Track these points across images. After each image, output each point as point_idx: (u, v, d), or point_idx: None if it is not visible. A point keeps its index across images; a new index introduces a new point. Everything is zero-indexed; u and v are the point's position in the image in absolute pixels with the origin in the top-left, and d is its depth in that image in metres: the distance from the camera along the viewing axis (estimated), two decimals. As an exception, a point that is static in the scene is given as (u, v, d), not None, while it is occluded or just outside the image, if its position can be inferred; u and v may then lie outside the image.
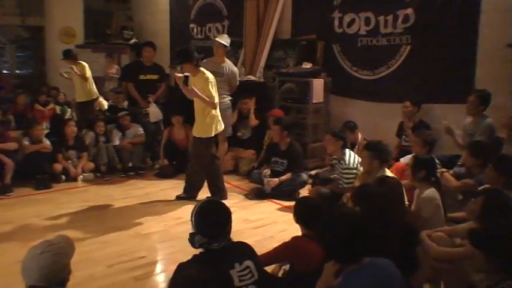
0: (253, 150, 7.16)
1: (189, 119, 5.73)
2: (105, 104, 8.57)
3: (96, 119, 7.56)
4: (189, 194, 5.80)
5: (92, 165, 6.85)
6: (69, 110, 9.68)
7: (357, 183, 4.63)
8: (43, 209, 5.45)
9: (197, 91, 5.28)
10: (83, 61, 8.34)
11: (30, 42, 12.92)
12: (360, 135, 6.44)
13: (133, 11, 12.19)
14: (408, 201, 4.01)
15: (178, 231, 4.71)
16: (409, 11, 6.37)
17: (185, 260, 2.48)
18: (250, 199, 5.98)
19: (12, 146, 6.33)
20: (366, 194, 3.23)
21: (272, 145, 6.39)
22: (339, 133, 5.41)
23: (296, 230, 3.38)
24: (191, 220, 2.57)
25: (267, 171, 6.12)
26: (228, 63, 6.96)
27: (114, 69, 9.89)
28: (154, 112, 7.40)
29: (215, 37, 7.47)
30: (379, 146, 4.46)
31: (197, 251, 2.54)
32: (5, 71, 12.85)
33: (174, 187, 6.20)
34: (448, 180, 4.48)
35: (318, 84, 7.13)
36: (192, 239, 2.52)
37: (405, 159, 5.12)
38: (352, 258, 2.35)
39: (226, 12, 9.44)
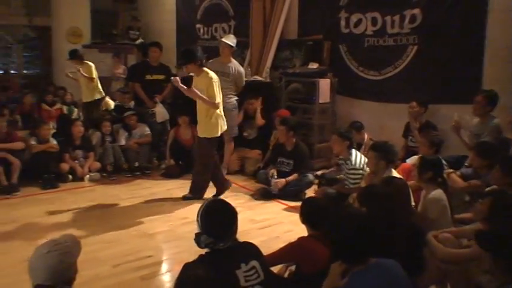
0: (259, 150, 7.15)
1: (195, 119, 5.74)
2: (112, 104, 8.59)
3: (103, 118, 7.58)
4: (195, 194, 5.82)
5: (98, 165, 6.87)
6: (75, 110, 9.71)
7: (363, 184, 4.62)
8: (49, 209, 5.47)
9: (197, 92, 5.30)
10: (90, 61, 8.38)
11: (37, 42, 13.01)
12: (366, 136, 6.42)
13: (140, 11, 12.21)
14: (415, 202, 3.99)
15: (184, 231, 4.71)
16: (416, 11, 6.35)
17: (191, 260, 2.48)
18: (256, 199, 5.98)
19: (19, 145, 6.35)
20: (372, 195, 3.22)
21: (278, 145, 6.39)
22: (345, 133, 5.41)
23: (302, 231, 3.37)
24: (197, 220, 2.57)
25: (274, 172, 6.11)
26: (235, 64, 6.96)
27: (120, 69, 9.90)
28: (160, 112, 7.41)
29: (221, 37, 7.47)
30: (386, 147, 4.45)
31: (203, 251, 2.54)
32: (12, 71, 12.95)
33: (180, 187, 6.21)
34: (454, 181, 4.45)
35: (324, 85, 7.12)
36: (198, 239, 2.52)
37: (412, 160, 5.11)
38: (358, 258, 2.34)
39: (233, 13, 9.45)
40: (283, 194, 5.92)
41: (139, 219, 5.17)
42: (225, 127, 5.71)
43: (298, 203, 3.78)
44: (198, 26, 10.37)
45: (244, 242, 2.67)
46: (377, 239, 2.38)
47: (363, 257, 2.34)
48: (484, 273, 2.66)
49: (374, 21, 6.89)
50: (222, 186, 5.91)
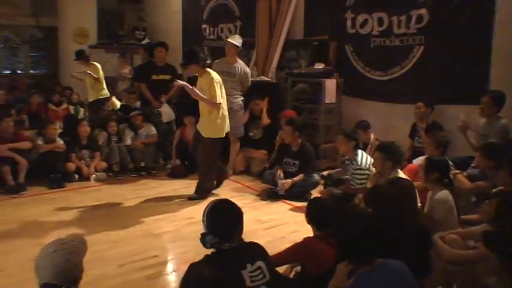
0: (265, 150, 7.15)
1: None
2: (118, 104, 8.62)
3: (109, 118, 7.61)
4: (201, 195, 5.82)
5: (104, 164, 6.89)
6: (82, 109, 9.74)
7: (369, 185, 4.62)
8: (56, 208, 5.50)
9: (198, 92, 5.30)
10: (96, 61, 8.41)
11: (44, 43, 13.06)
12: (372, 136, 6.41)
13: (146, 12, 12.24)
14: (421, 203, 3.97)
15: (190, 231, 4.73)
16: (423, 11, 6.32)
17: (197, 260, 2.49)
18: (262, 199, 5.98)
19: (26, 145, 6.39)
20: (378, 195, 3.21)
21: (284, 146, 6.38)
22: (351, 134, 5.40)
23: (308, 231, 3.37)
24: (203, 220, 2.58)
25: (280, 173, 6.10)
26: (240, 64, 6.96)
27: (127, 70, 9.93)
28: (166, 112, 7.42)
29: (227, 37, 7.48)
30: (392, 147, 4.44)
31: (208, 251, 2.54)
32: (19, 71, 13.01)
33: (186, 187, 6.22)
34: (461, 182, 4.43)
35: (330, 85, 7.10)
36: (203, 239, 2.52)
37: (418, 161, 5.09)
38: (364, 259, 2.34)
39: (239, 13, 9.44)
40: (289, 195, 5.92)
41: (145, 219, 5.19)
42: (228, 128, 5.73)
43: (304, 204, 3.78)
44: (204, 26, 10.37)
45: (249, 242, 2.66)
46: (383, 239, 2.38)
47: (369, 257, 2.34)
48: (490, 274, 2.65)
49: (380, 22, 6.87)
50: (217, 176, 6.04)
